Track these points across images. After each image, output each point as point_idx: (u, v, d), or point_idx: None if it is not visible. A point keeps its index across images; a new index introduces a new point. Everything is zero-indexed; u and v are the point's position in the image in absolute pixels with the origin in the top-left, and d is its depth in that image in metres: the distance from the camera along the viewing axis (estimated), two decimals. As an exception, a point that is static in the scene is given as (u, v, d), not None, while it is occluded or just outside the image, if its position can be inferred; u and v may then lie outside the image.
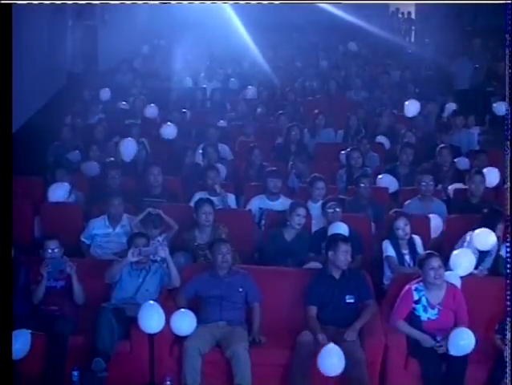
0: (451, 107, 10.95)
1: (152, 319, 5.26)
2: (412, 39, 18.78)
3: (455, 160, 8.31)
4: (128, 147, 8.44)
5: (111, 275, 5.80)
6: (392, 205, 7.28)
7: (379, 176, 7.96)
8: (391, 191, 7.81)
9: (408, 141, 8.66)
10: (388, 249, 6.28)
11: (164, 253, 5.78)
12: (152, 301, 5.37)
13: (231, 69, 13.95)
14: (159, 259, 5.89)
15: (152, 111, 10.20)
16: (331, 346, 5.04)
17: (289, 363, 5.28)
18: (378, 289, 6.08)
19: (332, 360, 4.98)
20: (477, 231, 6.06)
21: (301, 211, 6.54)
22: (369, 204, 7.24)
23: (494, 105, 10.11)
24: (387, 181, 7.92)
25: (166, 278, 5.82)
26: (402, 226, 6.24)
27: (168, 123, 9.35)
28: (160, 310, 5.29)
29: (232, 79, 13.06)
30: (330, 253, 5.66)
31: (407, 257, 6.26)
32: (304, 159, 8.09)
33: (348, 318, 5.48)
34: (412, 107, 10.00)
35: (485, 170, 7.48)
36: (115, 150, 8.72)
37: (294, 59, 15.17)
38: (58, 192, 7.33)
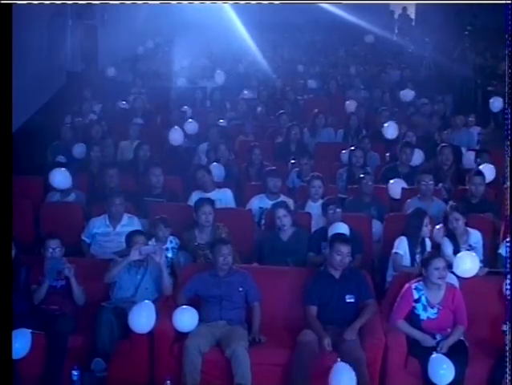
0: (408, 93, 11.15)
1: (139, 319, 5.27)
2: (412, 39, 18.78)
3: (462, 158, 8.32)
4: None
5: (112, 276, 5.78)
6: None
7: None
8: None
9: (408, 141, 8.65)
10: (400, 246, 6.23)
11: (158, 258, 5.73)
12: (147, 301, 5.39)
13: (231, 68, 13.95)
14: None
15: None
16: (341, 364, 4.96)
17: (289, 363, 5.27)
18: (378, 289, 6.08)
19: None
20: (459, 255, 5.92)
21: (279, 213, 6.48)
22: (371, 203, 7.24)
23: (491, 100, 10.18)
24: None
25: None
26: (425, 223, 6.24)
27: (176, 127, 9.04)
28: (149, 310, 5.29)
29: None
30: (327, 253, 5.68)
31: (417, 256, 6.22)
32: (307, 158, 8.09)
33: (348, 318, 5.47)
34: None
35: (480, 166, 7.51)
36: (113, 149, 8.73)
37: (295, 59, 15.16)
38: (60, 178, 7.30)
